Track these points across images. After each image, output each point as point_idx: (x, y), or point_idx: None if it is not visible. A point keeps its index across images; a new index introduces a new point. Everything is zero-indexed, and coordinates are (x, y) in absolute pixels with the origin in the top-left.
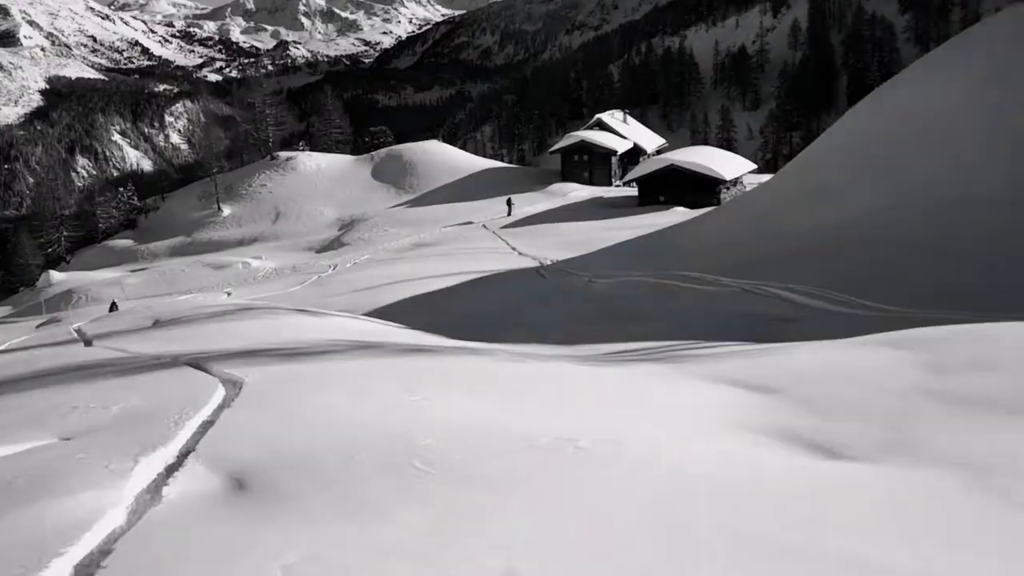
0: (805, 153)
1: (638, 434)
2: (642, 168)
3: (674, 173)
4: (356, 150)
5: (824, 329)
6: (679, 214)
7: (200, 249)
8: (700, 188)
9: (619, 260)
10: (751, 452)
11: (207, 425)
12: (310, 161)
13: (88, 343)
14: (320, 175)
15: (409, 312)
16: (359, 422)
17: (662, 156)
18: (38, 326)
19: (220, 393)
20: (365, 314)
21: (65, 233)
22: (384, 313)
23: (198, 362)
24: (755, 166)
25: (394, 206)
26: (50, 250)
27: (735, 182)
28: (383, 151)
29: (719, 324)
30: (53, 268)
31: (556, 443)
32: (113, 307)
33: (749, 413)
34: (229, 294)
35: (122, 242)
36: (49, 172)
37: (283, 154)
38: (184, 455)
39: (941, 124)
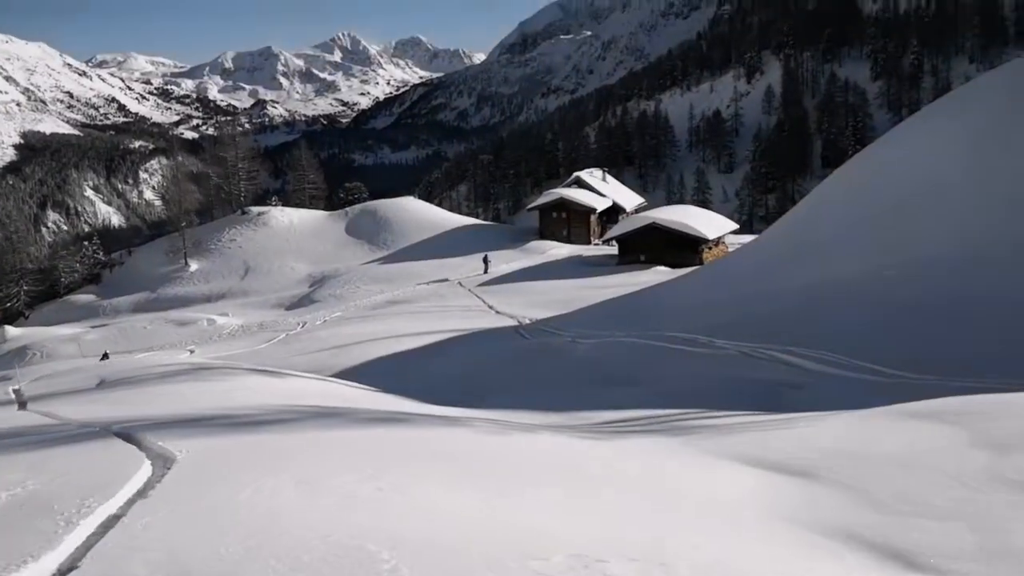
0: (794, 211)
1: (681, 549)
2: (622, 226)
3: (655, 231)
4: (331, 206)
5: (838, 396)
6: (661, 273)
7: (165, 305)
8: (682, 247)
9: (602, 319)
10: (822, 570)
11: (112, 522)
12: (283, 216)
13: (23, 406)
14: (292, 230)
15: (380, 373)
16: (306, 527)
17: (643, 214)
18: None
19: (144, 474)
20: (333, 375)
21: (25, 287)
22: (353, 374)
23: (130, 432)
24: (736, 226)
25: (368, 262)
26: (8, 304)
27: (717, 241)
28: (358, 207)
29: (720, 390)
30: (10, 323)
31: (577, 566)
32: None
33: (795, 507)
34: (192, 351)
35: (84, 297)
36: (16, 226)
37: (255, 209)
38: (64, 573)
39: (937, 182)
